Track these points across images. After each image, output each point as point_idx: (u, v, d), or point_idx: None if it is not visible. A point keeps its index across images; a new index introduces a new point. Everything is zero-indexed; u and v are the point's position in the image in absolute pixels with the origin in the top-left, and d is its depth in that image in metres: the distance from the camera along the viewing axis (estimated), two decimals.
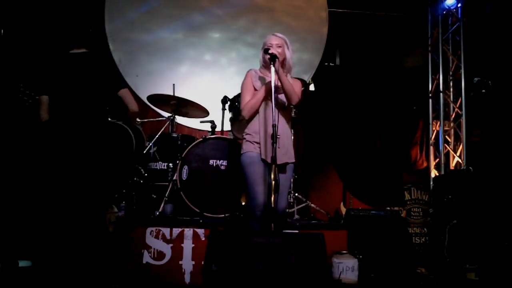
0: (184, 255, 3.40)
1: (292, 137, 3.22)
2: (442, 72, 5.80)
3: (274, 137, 2.80)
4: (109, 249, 3.44)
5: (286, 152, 3.05)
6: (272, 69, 2.94)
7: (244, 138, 3.09)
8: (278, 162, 2.90)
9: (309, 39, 5.91)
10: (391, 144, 5.85)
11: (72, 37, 3.11)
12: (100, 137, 3.01)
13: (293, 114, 4.75)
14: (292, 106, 3.26)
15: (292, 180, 4.54)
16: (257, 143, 3.01)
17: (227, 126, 4.36)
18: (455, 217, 4.22)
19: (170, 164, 4.02)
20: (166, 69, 5.59)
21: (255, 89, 3.10)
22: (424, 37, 6.03)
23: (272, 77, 2.93)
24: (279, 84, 2.98)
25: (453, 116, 5.73)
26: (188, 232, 3.44)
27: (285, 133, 3.09)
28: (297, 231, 3.60)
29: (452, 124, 5.72)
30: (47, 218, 3.04)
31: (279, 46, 3.08)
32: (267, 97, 3.03)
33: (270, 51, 2.99)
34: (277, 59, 2.96)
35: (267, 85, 3.01)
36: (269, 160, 2.92)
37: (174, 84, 4.40)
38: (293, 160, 3.12)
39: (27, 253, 3.26)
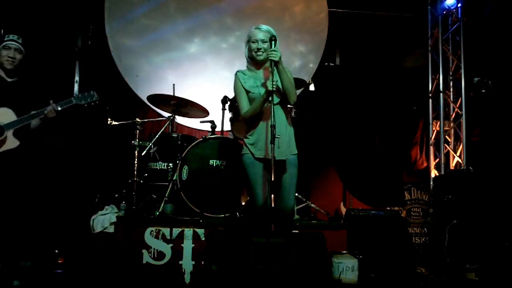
0: (184, 255, 3.40)
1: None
2: (442, 72, 5.80)
3: (273, 137, 2.79)
4: (110, 249, 3.46)
5: (287, 149, 3.01)
6: (271, 73, 2.88)
7: (245, 138, 3.07)
8: (279, 159, 2.90)
9: (309, 39, 5.91)
10: (391, 144, 5.85)
11: None
12: None
13: (293, 114, 4.76)
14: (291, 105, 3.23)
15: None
16: (257, 143, 2.98)
17: (227, 126, 4.36)
18: (455, 217, 4.22)
19: (170, 164, 4.02)
20: (166, 69, 5.59)
21: (247, 91, 3.03)
22: (424, 37, 6.03)
23: (272, 79, 2.87)
24: (275, 88, 2.90)
25: (453, 116, 5.73)
26: (188, 232, 3.44)
27: (286, 130, 3.03)
28: (297, 231, 3.60)
29: (452, 124, 5.72)
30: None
31: (265, 42, 2.99)
32: (266, 99, 2.95)
33: (270, 58, 2.90)
34: (275, 66, 2.91)
35: (263, 95, 2.92)
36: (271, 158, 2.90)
37: (174, 84, 4.40)
38: (295, 152, 3.07)
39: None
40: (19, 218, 3.08)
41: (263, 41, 2.99)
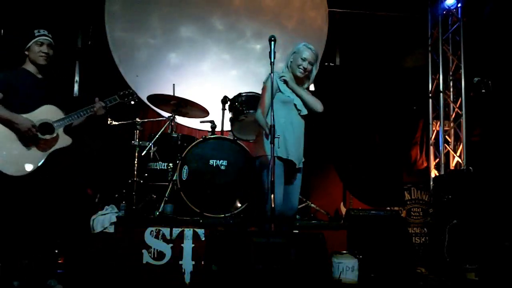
0: (184, 255, 3.40)
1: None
2: (442, 72, 5.80)
3: (272, 137, 2.81)
4: (110, 249, 3.45)
5: (299, 155, 3.14)
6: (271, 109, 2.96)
7: (265, 139, 3.06)
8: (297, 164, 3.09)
9: (309, 39, 5.87)
10: (391, 144, 5.85)
11: None
12: None
13: None
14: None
15: None
16: (280, 144, 3.02)
17: (227, 126, 4.36)
18: (455, 217, 4.22)
19: (170, 164, 4.02)
20: (166, 69, 5.59)
21: (280, 90, 3.11)
22: (424, 37, 6.03)
23: (272, 114, 2.91)
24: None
25: (453, 116, 5.74)
26: (188, 232, 3.44)
27: (301, 140, 3.17)
28: (297, 231, 3.60)
29: (452, 124, 5.73)
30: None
31: (310, 63, 3.18)
32: (289, 101, 3.14)
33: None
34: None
35: (266, 127, 2.98)
36: (293, 161, 3.06)
37: (174, 84, 4.40)
38: (303, 159, 3.22)
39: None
40: (19, 217, 3.05)
41: (310, 63, 3.18)
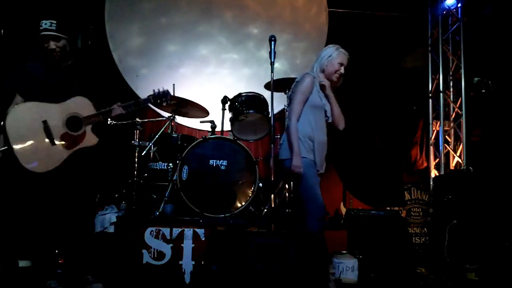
0: (184, 255, 3.40)
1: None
2: (442, 72, 5.80)
3: (272, 137, 2.81)
4: (110, 249, 3.45)
5: (322, 161, 3.10)
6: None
7: (306, 141, 3.04)
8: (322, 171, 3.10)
9: (309, 39, 5.91)
10: (391, 144, 5.84)
11: None
12: None
13: None
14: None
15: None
16: (311, 149, 3.00)
17: (227, 126, 4.36)
18: (455, 217, 4.22)
19: (170, 164, 4.02)
20: (166, 69, 5.59)
21: (313, 94, 3.06)
22: (424, 37, 6.03)
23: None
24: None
25: (453, 116, 5.73)
26: (188, 232, 3.44)
27: (325, 142, 3.14)
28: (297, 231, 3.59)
29: (452, 124, 5.73)
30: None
31: (344, 67, 3.13)
32: (320, 106, 3.10)
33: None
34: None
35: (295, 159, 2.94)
36: (321, 170, 3.06)
37: (174, 84, 4.39)
38: None
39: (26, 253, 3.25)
40: (24, 215, 3.00)
41: (345, 68, 3.12)
